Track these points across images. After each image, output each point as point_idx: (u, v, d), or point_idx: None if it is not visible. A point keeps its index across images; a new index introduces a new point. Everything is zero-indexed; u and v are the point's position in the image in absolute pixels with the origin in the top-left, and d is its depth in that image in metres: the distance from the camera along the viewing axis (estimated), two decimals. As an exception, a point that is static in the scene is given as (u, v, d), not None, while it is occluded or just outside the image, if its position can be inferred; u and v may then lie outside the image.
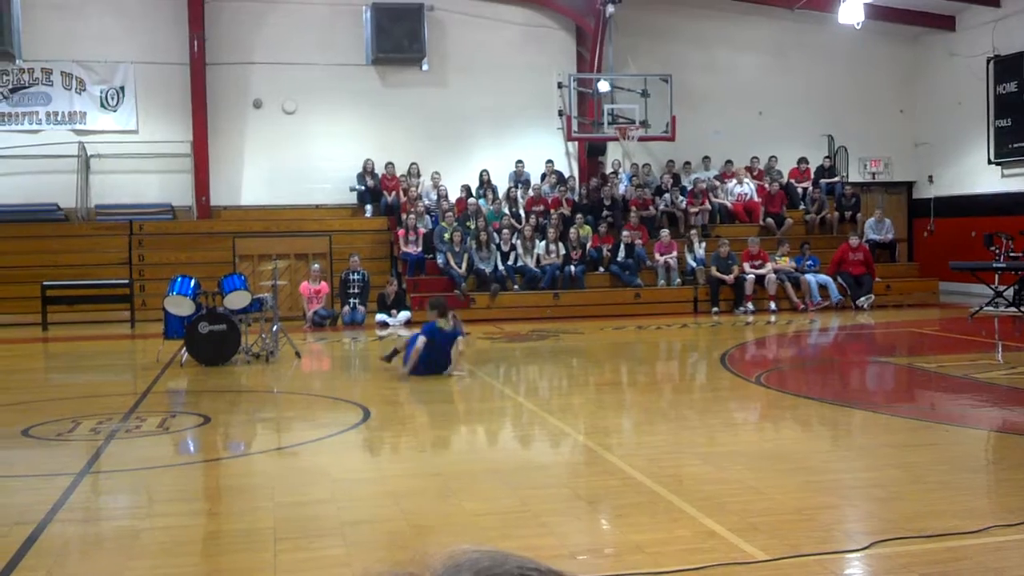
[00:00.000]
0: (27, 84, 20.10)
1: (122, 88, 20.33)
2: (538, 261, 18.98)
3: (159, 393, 10.52)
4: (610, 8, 20.84)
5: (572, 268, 18.86)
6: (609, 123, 20.68)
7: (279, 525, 5.44)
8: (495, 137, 21.76)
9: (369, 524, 5.49)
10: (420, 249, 19.00)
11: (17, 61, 19.87)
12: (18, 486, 6.72)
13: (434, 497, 6.04)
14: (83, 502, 6.24)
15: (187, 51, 20.10)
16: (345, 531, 5.30)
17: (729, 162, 22.15)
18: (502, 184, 21.28)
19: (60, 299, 17.43)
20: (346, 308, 17.49)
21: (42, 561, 4.96)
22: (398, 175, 20.94)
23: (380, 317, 17.20)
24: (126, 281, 18.20)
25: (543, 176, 21.57)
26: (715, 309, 18.59)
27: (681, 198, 21.13)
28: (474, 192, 20.84)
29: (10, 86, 20.01)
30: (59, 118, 20.17)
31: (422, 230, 19.23)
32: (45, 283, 17.36)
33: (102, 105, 20.28)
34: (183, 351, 12.22)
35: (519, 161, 21.47)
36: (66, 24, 19.93)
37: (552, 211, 20.13)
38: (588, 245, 19.47)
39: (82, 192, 19.95)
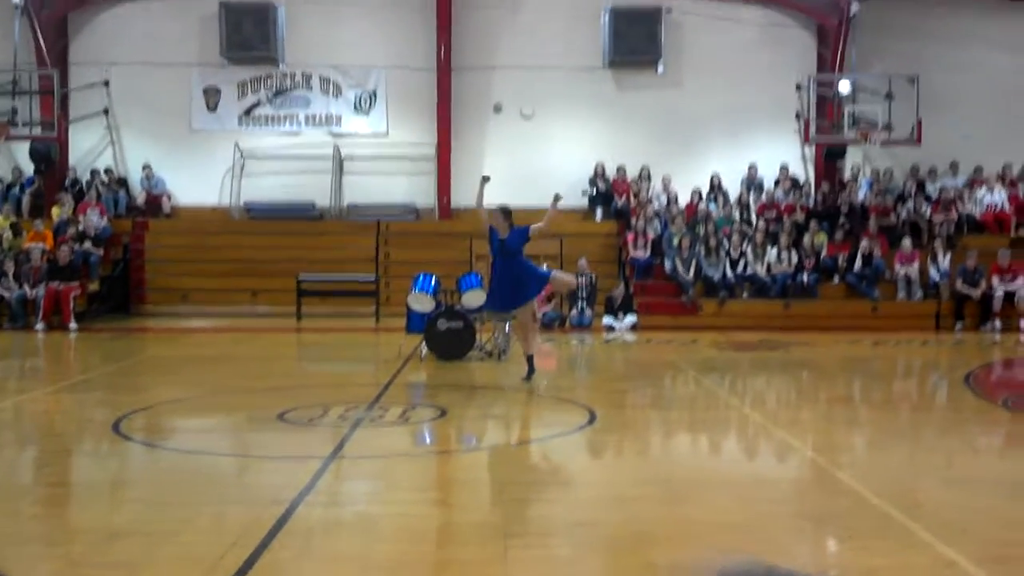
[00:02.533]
0: (289, 88, 21.64)
1: (374, 92, 21.52)
2: (768, 269, 18.61)
3: (400, 385, 11.11)
4: (855, 6, 20.15)
5: (805, 277, 18.37)
6: (850, 126, 20.00)
7: (508, 520, 5.66)
8: (728, 140, 21.50)
9: (594, 527, 5.63)
10: (648, 254, 19.05)
11: (280, 67, 21.43)
12: (273, 467, 7.30)
13: (659, 504, 6.12)
14: (329, 486, 6.70)
15: (434, 57, 21.01)
16: (572, 532, 5.48)
17: (979, 169, 20.89)
18: (733, 189, 20.99)
19: (313, 292, 18.66)
20: (574, 310, 17.79)
21: (293, 540, 5.37)
22: (629, 179, 21.06)
23: (607, 320, 17.40)
24: (373, 277, 19.27)
25: (777, 181, 21.10)
26: (959, 326, 17.61)
27: (925, 206, 20.13)
28: (704, 196, 20.66)
29: (273, 90, 21.59)
30: (317, 121, 21.59)
31: (651, 235, 19.27)
32: (300, 277, 18.65)
33: (356, 108, 21.55)
34: (423, 346, 12.84)
35: (752, 165, 21.10)
36: (325, 32, 21.30)
37: (785, 217, 19.67)
38: (823, 254, 18.90)
39: (336, 192, 21.29)
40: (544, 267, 11.62)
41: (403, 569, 4.82)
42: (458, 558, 5.12)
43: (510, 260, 10.83)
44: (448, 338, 12.65)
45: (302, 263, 19.20)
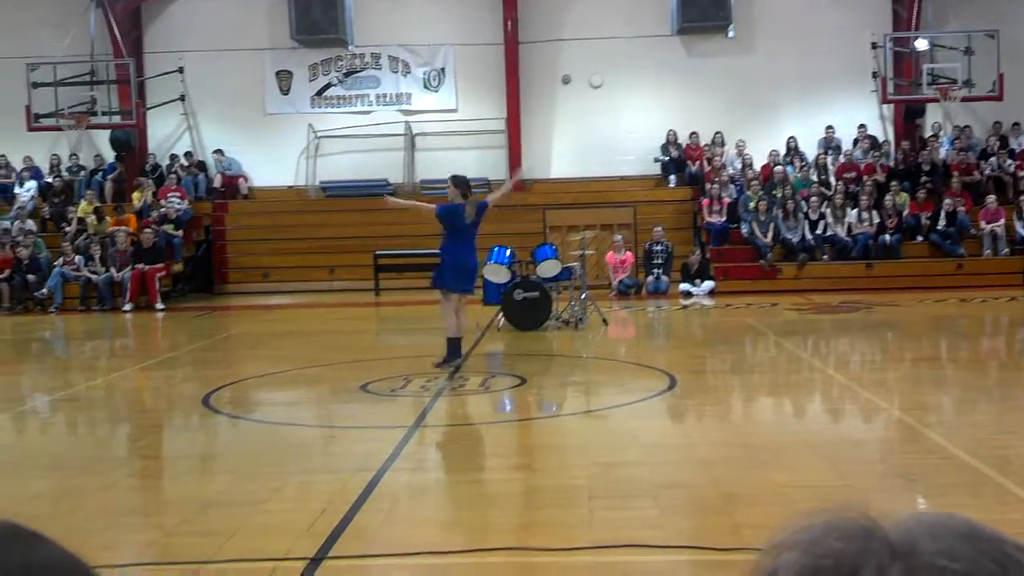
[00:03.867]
0: (359, 69, 21.79)
1: (443, 69, 21.57)
2: (849, 230, 18.25)
3: (479, 355, 11.20)
4: (930, -39, 19.55)
5: (887, 237, 17.98)
6: (928, 84, 19.45)
7: (592, 483, 5.69)
8: (803, 103, 21.09)
9: (680, 489, 5.63)
10: (724, 219, 18.85)
11: (350, 48, 21.58)
12: (359, 436, 7.44)
13: (743, 466, 6.09)
14: (414, 453, 6.80)
15: (501, 31, 20.97)
16: (657, 493, 5.48)
17: (1065, 121, 20.18)
18: (810, 151, 20.62)
19: (390, 267, 18.86)
20: (650, 278, 17.69)
21: (382, 504, 5.47)
22: (702, 144, 20.85)
23: (683, 287, 17.28)
24: (447, 251, 19.36)
25: (855, 141, 20.66)
26: (1049, 281, 17.10)
27: (1009, 162, 19.54)
28: (781, 160, 20.35)
29: (344, 71, 21.77)
30: (387, 100, 21.73)
31: (726, 199, 19.06)
32: (377, 252, 18.86)
33: (425, 86, 21.63)
34: (500, 316, 12.91)
35: (829, 127, 20.70)
36: (392, 11, 21.38)
37: (865, 178, 19.25)
38: (905, 213, 18.47)
39: (408, 168, 21.45)
40: None
41: (490, 532, 4.87)
42: (544, 520, 5.16)
43: (472, 237, 9.94)
44: (524, 308, 12.69)
45: (378, 239, 19.38)
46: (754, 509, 5.08)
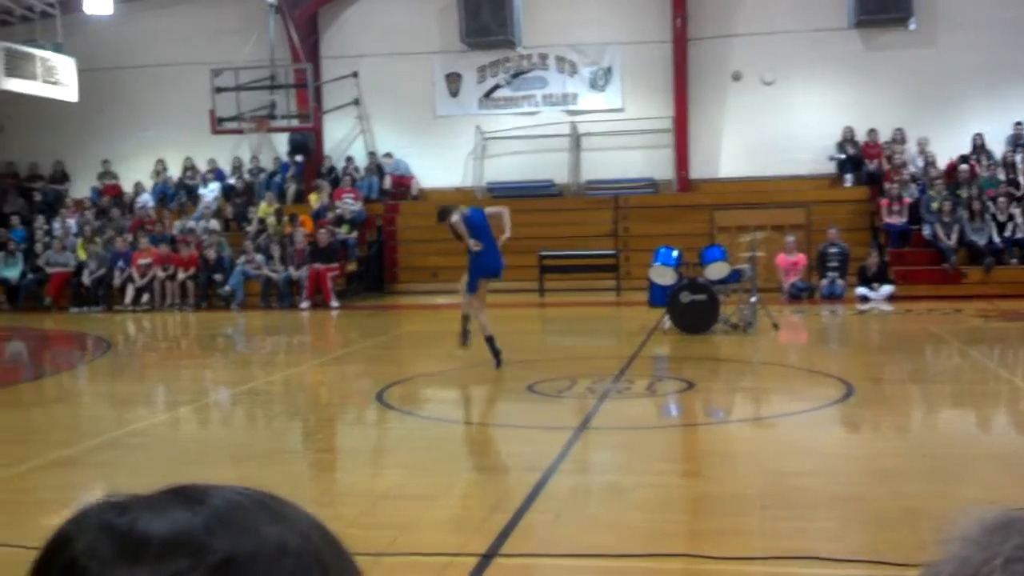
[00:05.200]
0: (526, 70, 21.97)
1: (609, 69, 21.50)
2: (1042, 232, 17.19)
3: (645, 358, 11.10)
4: None
5: (1085, 241, 16.84)
6: None
7: (765, 493, 5.53)
8: (990, 97, 19.97)
9: (858, 501, 5.41)
10: (905, 220, 18.06)
11: (518, 49, 21.77)
12: (526, 436, 7.48)
13: (926, 479, 5.80)
14: (581, 455, 6.79)
15: (669, 29, 20.74)
16: (834, 505, 5.28)
17: None
18: (998, 149, 19.52)
19: (554, 268, 18.93)
20: (824, 281, 17.12)
21: (551, 504, 5.47)
22: (881, 142, 20.04)
23: (860, 291, 16.64)
24: (613, 252, 19.31)
25: (1049, 138, 19.45)
26: None
27: None
28: (967, 158, 19.34)
29: (512, 72, 21.99)
30: (553, 100, 21.82)
31: (907, 199, 18.26)
32: (541, 253, 18.96)
33: (591, 86, 21.61)
34: (665, 319, 12.75)
35: (1018, 123, 19.54)
36: (560, 11, 21.45)
37: (1060, 177, 18.10)
38: (1105, 214, 17.26)
39: (573, 169, 21.47)
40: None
41: (659, 538, 4.79)
42: (714, 528, 5.05)
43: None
44: (691, 311, 12.48)
45: (543, 240, 19.48)
46: (938, 525, 4.81)
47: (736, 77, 20.97)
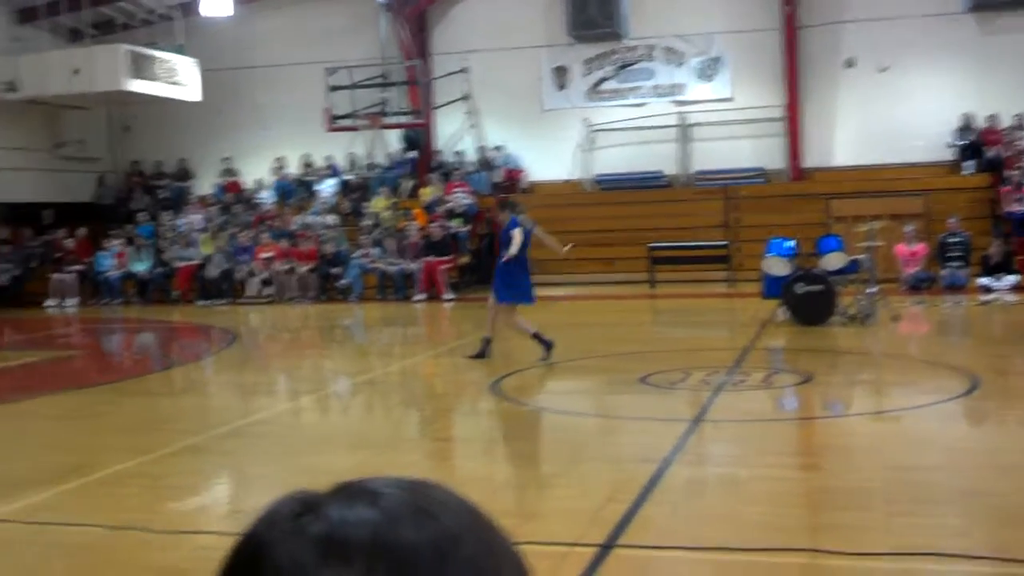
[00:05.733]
0: (633, 62, 21.86)
1: (717, 58, 21.23)
2: None
3: (759, 350, 10.98)
4: None
5: None
6: None
7: (887, 487, 5.45)
8: (1123, 79, 19.09)
9: (985, 496, 5.29)
10: (1029, 207, 17.40)
11: (624, 41, 21.68)
12: (640, 428, 7.49)
13: (1057, 476, 5.64)
14: (696, 447, 6.78)
15: (778, 16, 20.39)
16: (961, 501, 5.18)
17: None
18: None
19: (665, 259, 18.83)
20: (945, 271, 16.63)
21: (668, 496, 5.50)
22: (1001, 128, 19.34)
23: (983, 281, 16.10)
24: (724, 243, 19.11)
25: None
26: None
27: None
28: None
29: (618, 64, 21.91)
30: (661, 91, 21.66)
31: (1032, 186, 17.58)
32: (651, 244, 18.87)
33: (699, 76, 21.38)
34: (780, 310, 12.57)
35: None
36: (666, 2, 21.29)
37: None
38: None
39: (682, 159, 21.30)
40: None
41: (778, 532, 4.78)
42: (835, 523, 5.01)
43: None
44: (807, 302, 12.26)
45: (653, 231, 19.36)
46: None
47: (849, 64, 20.48)
